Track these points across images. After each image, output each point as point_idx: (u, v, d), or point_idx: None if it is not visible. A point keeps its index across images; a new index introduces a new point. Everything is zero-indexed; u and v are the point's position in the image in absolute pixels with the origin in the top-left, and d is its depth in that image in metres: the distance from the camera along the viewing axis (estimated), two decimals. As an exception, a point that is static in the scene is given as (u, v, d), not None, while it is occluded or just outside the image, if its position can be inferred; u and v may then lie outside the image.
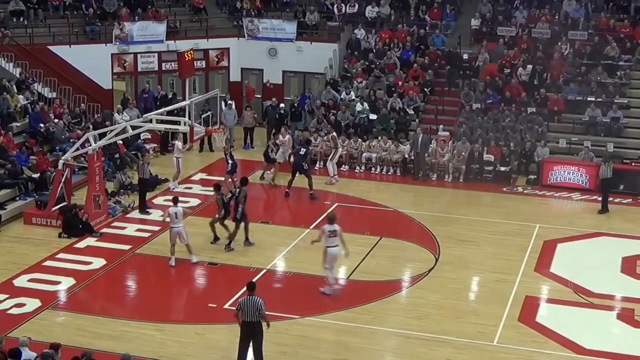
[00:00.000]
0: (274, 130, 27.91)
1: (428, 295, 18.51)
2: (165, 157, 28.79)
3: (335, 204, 24.32)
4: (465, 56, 31.28)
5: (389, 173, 27.57)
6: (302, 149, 25.43)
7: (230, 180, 24.33)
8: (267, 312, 14.90)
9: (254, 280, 16.60)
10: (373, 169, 27.80)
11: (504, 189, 26.32)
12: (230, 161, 24.63)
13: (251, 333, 14.95)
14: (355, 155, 28.14)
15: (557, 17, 32.44)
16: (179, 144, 25.75)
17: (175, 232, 19.76)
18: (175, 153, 25.92)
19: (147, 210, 23.54)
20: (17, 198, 23.51)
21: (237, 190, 20.96)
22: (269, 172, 26.59)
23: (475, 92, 29.92)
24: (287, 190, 25.02)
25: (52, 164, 24.67)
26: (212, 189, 21.80)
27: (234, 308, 15.46)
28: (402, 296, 18.76)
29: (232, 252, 20.68)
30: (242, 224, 20.88)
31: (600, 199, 24.77)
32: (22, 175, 24.00)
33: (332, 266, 18.40)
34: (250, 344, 15.00)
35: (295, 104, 30.68)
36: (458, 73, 30.94)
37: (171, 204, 20.36)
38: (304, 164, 24.96)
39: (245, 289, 15.40)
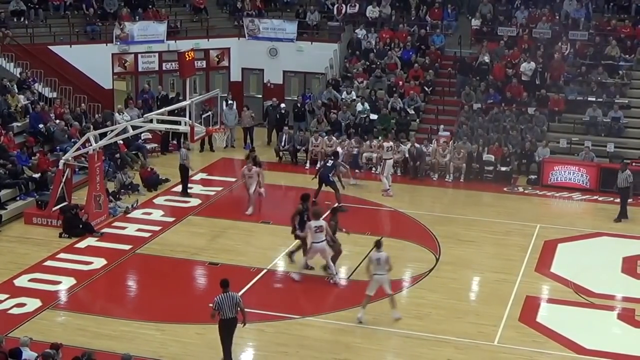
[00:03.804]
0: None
1: (428, 295, 18.53)
2: (165, 157, 28.83)
3: (336, 204, 24.23)
4: (485, 58, 30.85)
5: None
6: (329, 161, 24.61)
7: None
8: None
9: (253, 280, 16.63)
10: (373, 169, 27.78)
11: (505, 189, 26.31)
12: None
13: (233, 328, 15.06)
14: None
15: (557, 17, 32.41)
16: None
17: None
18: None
19: (189, 194, 24.69)
20: (18, 198, 23.50)
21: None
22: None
23: (476, 92, 29.91)
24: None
25: (52, 164, 24.65)
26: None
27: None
28: (403, 296, 18.72)
29: (232, 253, 20.67)
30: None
31: (599, 198, 24.95)
32: (22, 175, 24.01)
33: (312, 258, 19.27)
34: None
35: (299, 104, 30.66)
36: (470, 77, 30.72)
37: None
38: (330, 175, 24.15)
39: (220, 286, 15.27)
